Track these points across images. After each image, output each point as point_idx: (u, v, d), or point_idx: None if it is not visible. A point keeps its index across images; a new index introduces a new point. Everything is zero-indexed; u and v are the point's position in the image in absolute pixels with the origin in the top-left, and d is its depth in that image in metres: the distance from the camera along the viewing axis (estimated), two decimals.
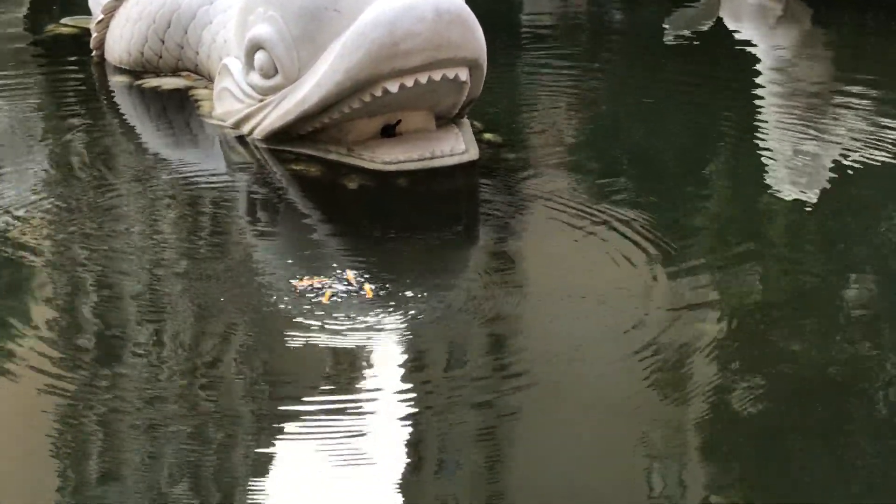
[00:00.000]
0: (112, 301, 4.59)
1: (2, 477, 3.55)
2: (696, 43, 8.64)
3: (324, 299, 4.38)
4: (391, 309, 4.36)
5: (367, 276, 4.55)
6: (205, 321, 4.41)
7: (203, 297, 4.53)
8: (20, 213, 5.28)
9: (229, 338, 4.30)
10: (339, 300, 4.39)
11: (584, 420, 3.83)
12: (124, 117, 6.76)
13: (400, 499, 3.49)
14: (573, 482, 3.52)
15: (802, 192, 5.63)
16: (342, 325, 4.25)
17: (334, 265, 4.71)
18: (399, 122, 5.77)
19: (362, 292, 4.43)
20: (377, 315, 4.32)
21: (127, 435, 3.71)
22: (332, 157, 5.76)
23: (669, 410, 3.89)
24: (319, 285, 4.47)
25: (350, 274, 4.55)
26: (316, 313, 4.30)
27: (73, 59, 7.64)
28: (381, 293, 4.43)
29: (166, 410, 3.80)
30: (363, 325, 4.26)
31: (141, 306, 4.52)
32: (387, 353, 4.21)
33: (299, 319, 4.28)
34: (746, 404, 3.89)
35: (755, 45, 8.26)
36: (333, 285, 4.47)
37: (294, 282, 4.50)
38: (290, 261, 4.91)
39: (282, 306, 4.38)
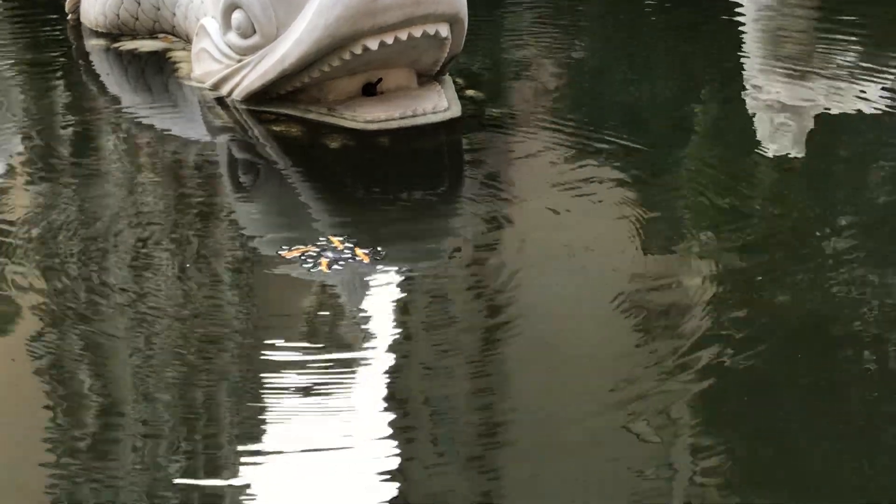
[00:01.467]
0: (89, 265, 4.52)
1: None
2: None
3: (323, 268, 4.29)
4: (393, 271, 4.31)
5: (354, 240, 4.47)
6: (193, 283, 4.36)
7: (187, 263, 4.48)
8: None
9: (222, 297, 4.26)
10: (340, 267, 4.31)
11: (569, 372, 3.80)
12: (102, 81, 6.68)
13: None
14: (558, 436, 3.49)
15: (787, 142, 5.60)
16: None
17: (319, 228, 4.66)
18: (380, 80, 5.70)
19: (357, 258, 4.36)
20: (383, 279, 4.27)
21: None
22: (313, 116, 5.70)
23: (654, 363, 3.85)
24: (313, 254, 4.37)
25: (336, 240, 4.48)
26: (327, 281, 4.23)
27: (48, 21, 7.54)
28: (377, 258, 4.36)
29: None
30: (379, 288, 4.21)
31: (121, 271, 4.46)
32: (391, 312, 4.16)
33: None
34: (733, 356, 3.86)
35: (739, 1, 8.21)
36: (324, 253, 4.38)
37: (283, 252, 4.42)
38: (274, 224, 4.86)
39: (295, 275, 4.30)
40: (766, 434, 3.53)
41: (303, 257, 4.36)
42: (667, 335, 4.02)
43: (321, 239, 4.49)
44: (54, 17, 7.47)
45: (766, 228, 4.81)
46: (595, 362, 3.87)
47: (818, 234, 4.75)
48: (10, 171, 5.35)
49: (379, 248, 4.41)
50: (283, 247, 4.45)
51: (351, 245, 4.43)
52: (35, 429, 3.55)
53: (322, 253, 4.37)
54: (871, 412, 3.65)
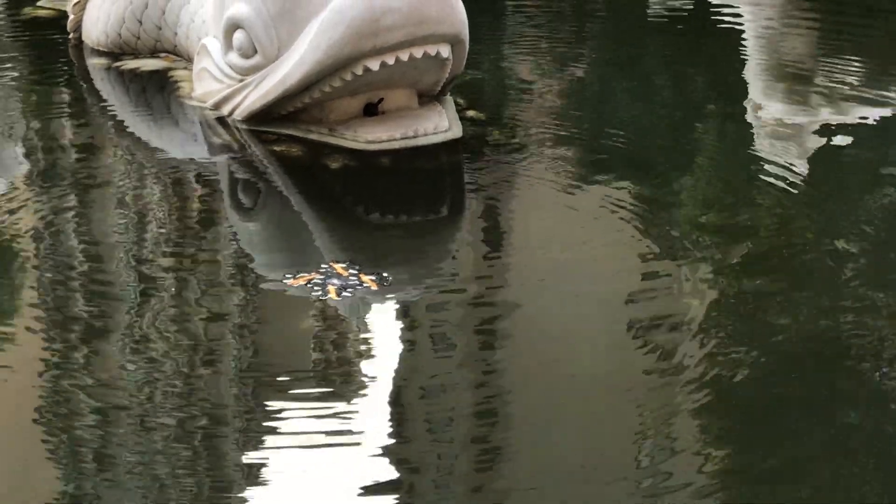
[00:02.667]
0: (93, 287, 4.52)
1: None
2: (683, 14, 8.59)
3: (332, 295, 4.25)
4: (398, 297, 4.31)
5: (357, 266, 4.43)
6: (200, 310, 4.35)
7: (192, 285, 4.47)
8: (0, 195, 5.23)
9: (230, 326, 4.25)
10: (350, 294, 4.27)
11: (575, 394, 3.79)
12: (103, 100, 6.68)
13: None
14: (559, 455, 3.49)
15: (789, 163, 5.59)
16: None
17: (320, 251, 4.65)
18: (381, 100, 5.70)
19: (364, 285, 4.34)
20: (389, 306, 4.27)
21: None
22: (314, 136, 5.70)
23: (658, 384, 3.84)
24: (319, 281, 4.32)
25: (338, 266, 4.44)
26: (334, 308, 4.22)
27: (50, 41, 7.55)
28: (384, 284, 4.34)
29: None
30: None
31: (125, 293, 4.46)
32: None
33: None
34: (736, 377, 3.86)
35: (742, 17, 8.21)
36: (330, 280, 4.33)
37: (289, 280, 4.38)
38: (275, 248, 4.84)
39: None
40: (767, 454, 3.52)
41: (309, 285, 4.32)
42: (668, 356, 4.01)
43: (323, 266, 4.46)
44: (56, 36, 7.47)
45: (766, 248, 4.80)
46: (597, 384, 3.86)
47: (819, 254, 4.75)
48: (11, 189, 5.34)
49: (385, 274, 4.39)
50: (288, 274, 4.42)
51: (355, 271, 4.39)
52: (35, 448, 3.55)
53: (328, 280, 4.33)
54: (871, 432, 3.64)
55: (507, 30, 8.22)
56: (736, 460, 3.53)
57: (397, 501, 3.36)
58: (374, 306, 4.28)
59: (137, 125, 6.31)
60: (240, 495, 3.39)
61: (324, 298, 4.25)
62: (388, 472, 3.46)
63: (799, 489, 3.38)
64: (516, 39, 7.99)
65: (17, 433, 3.66)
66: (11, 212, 5.10)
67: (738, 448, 3.58)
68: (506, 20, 8.58)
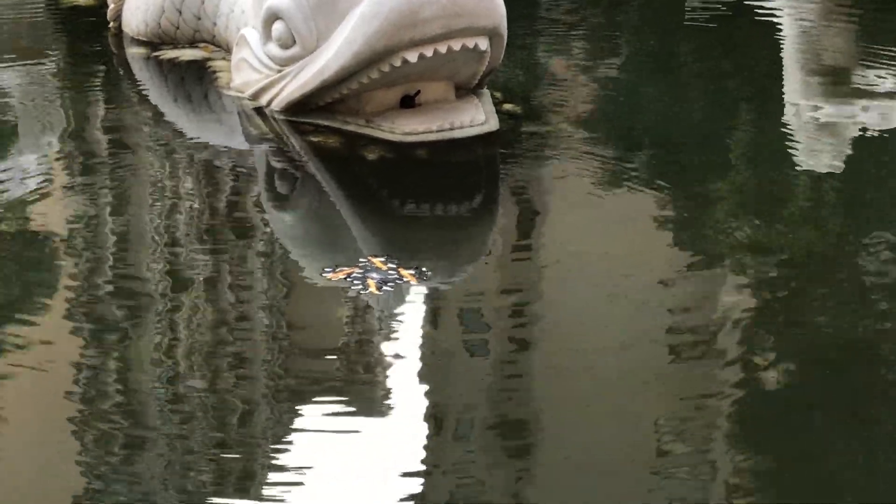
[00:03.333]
0: (125, 279, 4.55)
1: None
2: (720, 8, 8.56)
3: (372, 289, 4.24)
4: (439, 291, 4.30)
5: (396, 260, 4.42)
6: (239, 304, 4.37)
7: (226, 280, 4.50)
8: (38, 184, 5.26)
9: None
10: (390, 289, 4.26)
11: (603, 392, 3.79)
12: (142, 89, 6.72)
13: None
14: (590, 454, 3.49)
15: (825, 163, 5.57)
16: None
17: (357, 243, 4.65)
18: (418, 92, 5.71)
19: (404, 279, 4.32)
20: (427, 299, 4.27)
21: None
22: (351, 128, 5.71)
23: (691, 381, 3.84)
24: (358, 275, 4.31)
25: (377, 260, 4.42)
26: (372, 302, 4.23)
27: (90, 30, 7.59)
28: (424, 278, 4.34)
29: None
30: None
31: (161, 285, 4.49)
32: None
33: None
34: (770, 376, 3.85)
35: (778, 16, 8.18)
36: (369, 274, 4.33)
37: (328, 274, 4.36)
38: (312, 239, 4.85)
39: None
40: (800, 455, 3.51)
41: (348, 279, 4.31)
42: (700, 356, 4.01)
43: (361, 260, 4.45)
44: (96, 25, 7.51)
45: (802, 249, 4.79)
46: (629, 384, 3.85)
47: (855, 255, 4.73)
48: (49, 179, 5.38)
49: (423, 268, 4.38)
50: (327, 269, 4.42)
51: (394, 265, 4.39)
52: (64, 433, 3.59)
53: (367, 274, 4.32)
54: None
55: (545, 23, 8.21)
56: (766, 461, 3.53)
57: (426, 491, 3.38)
58: (409, 300, 4.27)
59: (175, 115, 6.34)
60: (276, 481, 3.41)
61: (364, 293, 4.26)
62: (420, 464, 3.48)
63: (830, 489, 3.37)
64: (553, 33, 7.98)
65: (51, 424, 3.69)
66: (47, 199, 5.14)
67: (768, 449, 3.57)
68: (543, 13, 8.57)
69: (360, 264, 4.39)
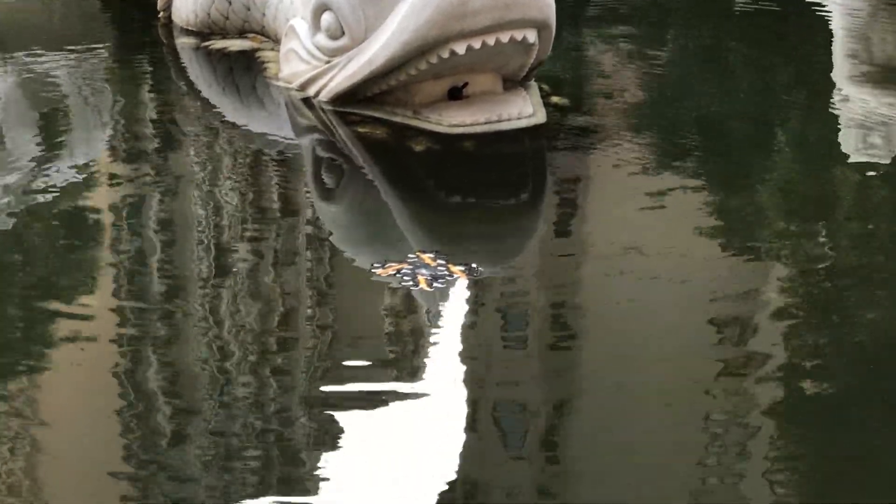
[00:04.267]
0: (170, 268, 4.59)
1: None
2: (766, 3, 8.52)
3: (424, 286, 4.21)
4: (486, 288, 4.30)
5: (445, 256, 4.39)
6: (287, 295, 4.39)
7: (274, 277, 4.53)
8: (88, 172, 5.32)
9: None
10: (442, 286, 4.25)
11: (644, 383, 3.79)
12: (191, 79, 6.77)
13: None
14: (626, 452, 3.49)
15: (873, 159, 5.53)
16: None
17: (405, 235, 4.66)
18: (466, 84, 5.72)
19: (454, 276, 4.31)
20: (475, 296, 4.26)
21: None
22: (398, 119, 5.73)
23: (734, 377, 3.84)
24: (408, 271, 4.28)
25: (426, 256, 4.40)
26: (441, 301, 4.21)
27: (140, 20, 7.65)
28: (474, 275, 4.32)
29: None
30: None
31: (206, 271, 4.53)
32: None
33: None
34: (814, 373, 3.84)
35: (827, 8, 8.13)
36: (419, 270, 4.30)
37: (378, 270, 4.34)
38: (360, 231, 4.86)
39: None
40: (842, 453, 3.49)
41: (398, 275, 4.29)
42: (741, 350, 4.00)
43: (410, 256, 4.43)
44: (146, 15, 7.57)
45: (848, 245, 4.76)
46: (668, 377, 3.84)
47: None
48: (97, 167, 5.44)
49: (474, 265, 4.36)
50: (376, 264, 4.40)
51: (443, 261, 4.36)
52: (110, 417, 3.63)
53: (416, 270, 4.30)
54: None
55: (592, 14, 8.20)
56: (806, 452, 3.52)
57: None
58: (453, 293, 4.27)
59: (224, 105, 6.38)
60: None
61: (415, 289, 4.25)
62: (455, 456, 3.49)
63: (869, 482, 3.36)
64: (601, 24, 7.96)
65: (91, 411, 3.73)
66: (94, 187, 5.20)
67: (809, 440, 3.56)
68: (590, 4, 8.56)
69: (409, 260, 4.39)
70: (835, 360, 3.94)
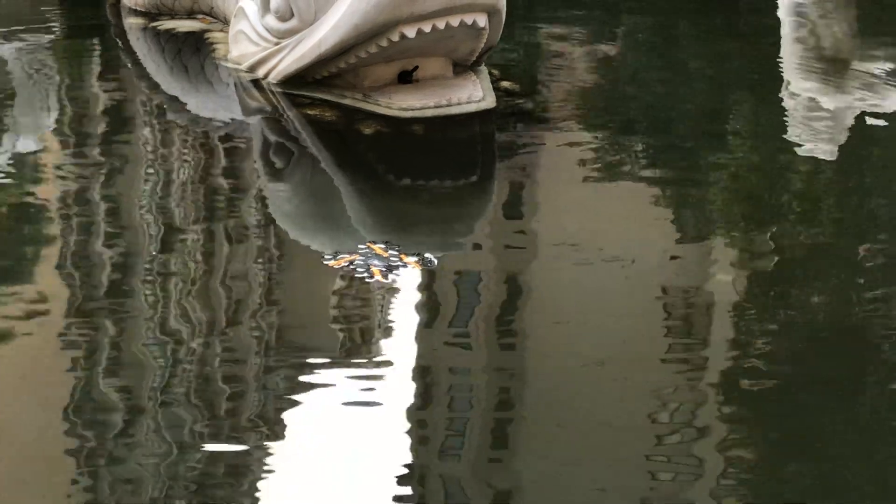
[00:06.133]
0: (119, 251, 4.55)
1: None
2: None
3: (380, 278, 4.16)
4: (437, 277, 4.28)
5: (397, 245, 4.35)
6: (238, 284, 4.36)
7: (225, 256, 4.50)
8: (33, 156, 5.26)
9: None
10: (397, 276, 4.20)
11: (597, 368, 3.79)
12: (139, 60, 6.71)
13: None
14: (580, 434, 3.49)
15: (822, 147, 5.57)
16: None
17: (353, 223, 4.65)
18: (416, 68, 5.71)
19: (408, 266, 4.26)
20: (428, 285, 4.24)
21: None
22: (348, 102, 5.71)
23: (683, 360, 3.85)
24: (360, 262, 4.22)
25: (377, 247, 4.35)
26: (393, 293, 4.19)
27: (88, 0, 7.58)
28: (428, 265, 4.30)
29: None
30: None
31: (153, 260, 4.48)
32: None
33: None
34: (762, 359, 3.86)
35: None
36: (371, 262, 4.24)
37: (330, 262, 4.27)
38: (307, 216, 4.84)
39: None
40: (795, 437, 3.51)
41: (351, 266, 4.24)
42: (694, 337, 4.01)
43: (361, 246, 4.37)
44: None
45: (798, 232, 4.79)
46: (622, 365, 3.84)
47: (851, 238, 4.73)
48: (43, 149, 5.38)
49: (427, 255, 4.32)
50: (327, 255, 4.35)
51: (395, 252, 4.32)
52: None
53: (369, 261, 4.25)
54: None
55: (544, 2, 8.20)
56: (755, 440, 3.53)
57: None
58: (409, 285, 4.24)
59: (172, 86, 6.33)
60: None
61: (370, 280, 4.20)
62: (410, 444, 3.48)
63: (820, 467, 3.38)
64: (552, 12, 7.96)
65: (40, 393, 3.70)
66: (42, 171, 5.14)
67: (759, 429, 3.58)
68: None
69: (361, 251, 4.34)
70: (782, 345, 3.96)
